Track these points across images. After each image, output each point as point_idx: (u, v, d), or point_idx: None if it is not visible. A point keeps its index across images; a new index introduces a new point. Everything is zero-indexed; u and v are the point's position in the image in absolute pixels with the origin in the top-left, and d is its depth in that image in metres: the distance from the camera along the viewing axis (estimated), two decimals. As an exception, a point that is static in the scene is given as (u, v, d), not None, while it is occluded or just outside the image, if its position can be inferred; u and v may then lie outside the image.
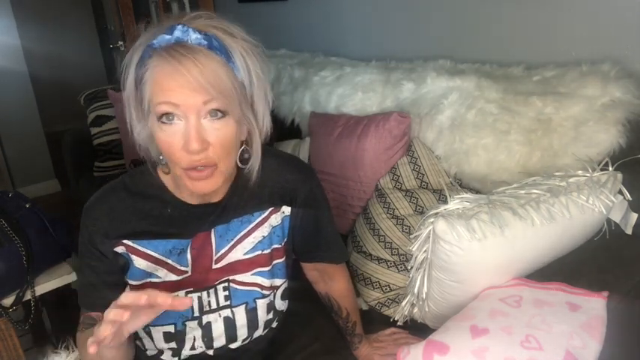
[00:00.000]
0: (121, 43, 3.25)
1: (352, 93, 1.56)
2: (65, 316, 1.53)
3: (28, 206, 1.43)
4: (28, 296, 1.35)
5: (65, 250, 1.47)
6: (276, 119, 1.81)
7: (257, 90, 0.74)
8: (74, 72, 4.21)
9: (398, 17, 1.73)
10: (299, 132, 1.79)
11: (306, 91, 1.75)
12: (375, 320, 1.16)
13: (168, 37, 0.68)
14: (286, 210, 0.91)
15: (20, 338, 1.30)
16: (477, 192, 1.19)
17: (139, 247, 0.82)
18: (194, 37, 0.68)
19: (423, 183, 1.31)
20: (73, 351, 0.97)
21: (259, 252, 0.89)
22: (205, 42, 0.68)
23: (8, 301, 1.32)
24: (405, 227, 1.23)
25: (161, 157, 0.78)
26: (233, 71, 0.70)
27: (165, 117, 0.69)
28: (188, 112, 0.68)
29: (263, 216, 0.88)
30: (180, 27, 0.68)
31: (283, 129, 1.81)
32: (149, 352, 0.89)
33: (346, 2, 1.92)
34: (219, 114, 0.69)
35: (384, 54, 1.75)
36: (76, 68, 4.30)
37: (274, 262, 0.91)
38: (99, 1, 4.07)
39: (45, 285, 1.40)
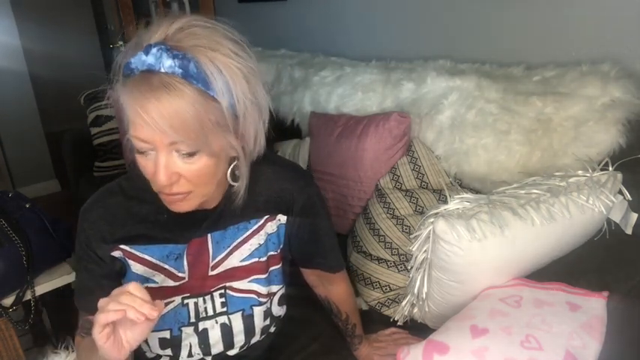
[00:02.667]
0: (120, 43, 3.25)
1: (352, 93, 1.56)
2: (65, 316, 1.53)
3: (28, 206, 1.43)
4: (28, 296, 1.35)
5: (65, 250, 1.47)
6: (276, 119, 1.81)
7: (244, 111, 0.70)
8: (74, 72, 4.19)
9: (398, 17, 1.73)
10: (299, 132, 1.79)
11: (306, 91, 1.74)
12: (375, 320, 1.16)
13: (143, 58, 0.64)
14: (282, 218, 0.90)
15: (20, 338, 1.30)
16: (477, 192, 1.19)
17: (136, 252, 0.82)
18: (168, 64, 0.63)
19: (423, 183, 1.31)
20: (72, 351, 0.97)
21: (256, 259, 0.88)
22: (180, 70, 0.63)
23: (8, 301, 1.32)
24: (405, 227, 1.23)
25: None
26: (213, 99, 0.66)
27: (140, 150, 0.69)
28: (157, 147, 0.67)
29: (259, 224, 0.88)
30: (155, 50, 0.63)
31: (283, 129, 1.81)
32: (148, 355, 0.89)
33: (346, 2, 1.92)
34: (187, 153, 0.68)
35: (384, 54, 1.75)
36: (76, 68, 4.28)
37: (271, 269, 0.90)
38: (99, 1, 4.07)
39: (45, 285, 1.40)
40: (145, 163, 0.70)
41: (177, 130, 0.64)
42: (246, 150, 0.75)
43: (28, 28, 3.53)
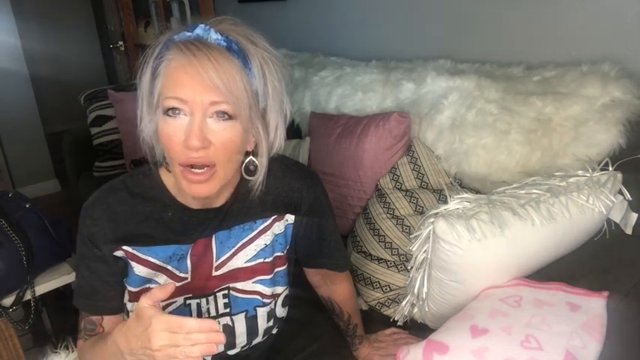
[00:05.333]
0: (120, 43, 3.25)
1: (352, 93, 1.56)
2: (65, 316, 1.53)
3: (28, 206, 1.43)
4: (28, 296, 1.36)
5: (65, 250, 1.47)
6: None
7: (272, 101, 0.74)
8: (74, 72, 4.21)
9: (398, 17, 1.73)
10: (299, 132, 1.79)
11: (306, 91, 1.75)
12: (375, 320, 1.16)
13: (188, 33, 0.69)
14: (290, 218, 0.89)
15: (20, 338, 1.30)
16: (477, 192, 1.19)
17: (139, 254, 0.81)
18: (214, 37, 0.69)
19: (423, 183, 1.31)
20: (72, 351, 0.96)
21: (261, 260, 0.87)
22: (225, 43, 0.68)
23: (8, 301, 1.32)
24: (405, 227, 1.23)
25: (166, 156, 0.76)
26: (249, 77, 0.70)
27: (171, 111, 0.69)
28: (195, 109, 0.68)
29: (266, 224, 0.87)
30: (202, 26, 0.69)
31: (283, 129, 1.81)
32: None
33: (346, 2, 1.92)
34: (226, 116, 0.69)
35: (384, 54, 1.75)
36: (76, 68, 4.30)
37: (276, 270, 0.89)
38: (99, 1, 4.07)
39: (45, 285, 1.40)
40: (172, 131, 0.69)
41: (226, 86, 0.67)
42: (268, 139, 0.77)
43: (28, 28, 3.54)
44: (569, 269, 0.91)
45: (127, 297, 0.83)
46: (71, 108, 2.91)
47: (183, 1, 2.59)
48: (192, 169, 0.71)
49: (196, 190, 0.73)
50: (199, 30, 0.69)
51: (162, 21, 2.86)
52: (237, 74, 0.68)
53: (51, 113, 3.96)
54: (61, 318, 1.59)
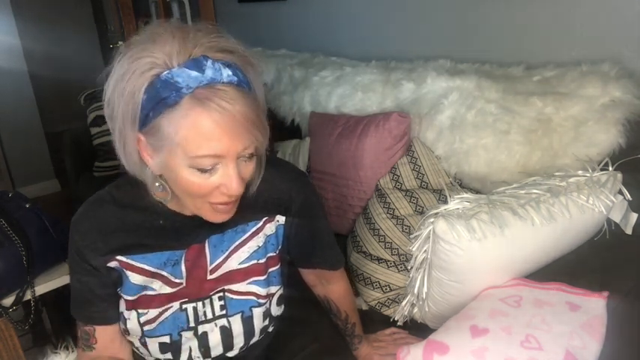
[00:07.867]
0: (120, 43, 3.25)
1: (352, 93, 1.57)
2: (65, 316, 1.53)
3: (28, 206, 1.43)
4: (28, 296, 1.35)
5: (65, 250, 1.46)
6: (276, 119, 1.81)
7: (263, 106, 0.73)
8: (74, 72, 4.20)
9: (398, 17, 1.73)
10: (299, 132, 1.79)
11: (306, 91, 1.75)
12: (375, 320, 1.16)
13: (196, 74, 0.63)
14: (280, 219, 0.90)
15: (20, 338, 1.30)
16: (477, 192, 1.19)
17: (134, 263, 0.80)
18: (226, 74, 0.64)
19: (423, 183, 1.31)
20: (72, 351, 0.96)
21: (254, 261, 0.87)
22: (235, 78, 0.65)
23: (8, 301, 1.32)
24: (405, 227, 1.23)
25: (157, 185, 0.75)
26: (258, 101, 0.69)
27: (207, 169, 0.68)
28: (229, 157, 0.67)
29: (258, 226, 0.87)
30: (210, 64, 0.63)
31: (283, 129, 1.81)
32: (147, 358, 0.89)
33: (346, 2, 1.92)
34: (251, 154, 0.70)
35: (384, 54, 1.75)
36: (76, 68, 4.29)
37: (269, 270, 0.90)
38: (99, 1, 4.07)
39: (45, 285, 1.39)
40: (204, 182, 0.69)
41: (257, 127, 0.67)
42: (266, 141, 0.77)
43: (28, 28, 3.53)
44: (569, 269, 0.91)
45: (123, 306, 0.83)
46: (71, 108, 2.90)
47: (183, 1, 2.59)
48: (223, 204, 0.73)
49: (221, 218, 0.75)
50: (210, 71, 0.63)
51: (162, 21, 2.85)
52: (258, 110, 0.67)
53: (51, 113, 3.96)
54: (61, 318, 1.59)
